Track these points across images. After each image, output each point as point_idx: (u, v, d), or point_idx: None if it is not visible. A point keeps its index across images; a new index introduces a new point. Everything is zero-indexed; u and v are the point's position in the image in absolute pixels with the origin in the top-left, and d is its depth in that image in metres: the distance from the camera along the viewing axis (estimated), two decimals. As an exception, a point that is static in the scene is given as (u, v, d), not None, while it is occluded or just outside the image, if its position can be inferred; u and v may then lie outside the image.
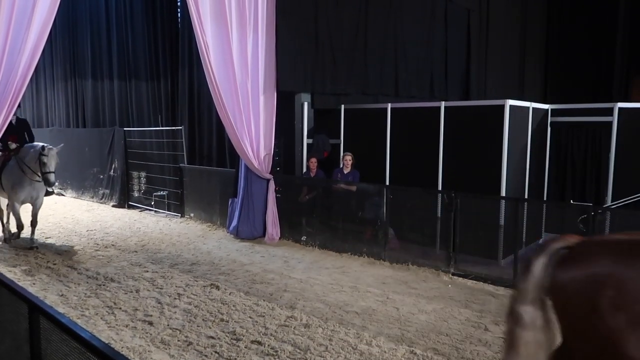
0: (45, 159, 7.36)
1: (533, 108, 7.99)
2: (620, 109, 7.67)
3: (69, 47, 14.95)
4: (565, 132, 8.65)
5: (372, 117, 8.80)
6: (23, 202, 7.79)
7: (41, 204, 7.99)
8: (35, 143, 7.83)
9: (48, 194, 8.14)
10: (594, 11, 14.50)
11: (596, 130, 8.34)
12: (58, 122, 15.64)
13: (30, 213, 8.04)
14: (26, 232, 8.34)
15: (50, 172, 7.40)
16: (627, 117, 7.65)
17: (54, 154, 7.47)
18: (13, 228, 8.48)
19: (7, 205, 8.59)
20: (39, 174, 7.46)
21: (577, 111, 8.47)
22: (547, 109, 8.54)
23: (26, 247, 7.73)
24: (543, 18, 15.61)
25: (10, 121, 7.71)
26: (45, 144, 7.57)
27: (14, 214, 7.83)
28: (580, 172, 8.61)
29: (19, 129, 8.13)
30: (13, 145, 7.89)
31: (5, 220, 8.54)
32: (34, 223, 7.91)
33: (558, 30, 15.49)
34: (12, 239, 8.21)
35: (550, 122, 8.59)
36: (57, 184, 8.18)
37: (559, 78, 15.40)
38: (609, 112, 7.77)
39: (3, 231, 8.51)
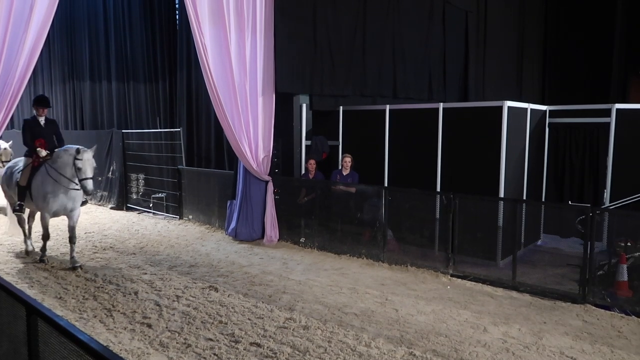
0: (80, 164, 6.53)
1: (531, 109, 8.00)
2: (618, 110, 7.69)
3: (67, 49, 14.95)
4: (564, 133, 8.67)
5: (371, 118, 8.81)
6: (55, 215, 7.04)
7: (78, 215, 7.20)
8: (68, 146, 6.94)
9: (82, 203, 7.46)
10: (592, 12, 14.54)
11: (594, 131, 8.35)
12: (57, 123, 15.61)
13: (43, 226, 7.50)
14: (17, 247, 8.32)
15: (87, 179, 6.55)
16: (625, 118, 7.67)
17: (89, 157, 6.63)
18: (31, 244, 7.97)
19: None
20: (76, 182, 6.69)
21: (575, 112, 8.49)
22: (545, 110, 8.56)
23: (67, 267, 6.92)
24: (540, 19, 15.65)
25: (38, 122, 7.18)
26: (79, 146, 6.73)
27: (42, 224, 7.04)
28: (579, 173, 8.63)
29: (48, 132, 7.27)
30: (43, 152, 6.99)
31: (27, 231, 7.88)
32: (72, 239, 7.04)
33: (556, 32, 15.53)
34: (28, 255, 7.64)
35: (549, 123, 8.61)
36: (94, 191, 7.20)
37: (557, 79, 15.44)
38: (607, 113, 7.79)
39: (25, 241, 7.85)
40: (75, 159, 6.57)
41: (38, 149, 7.01)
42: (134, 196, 11.78)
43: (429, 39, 11.54)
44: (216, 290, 6.05)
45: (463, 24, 12.70)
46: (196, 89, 11.19)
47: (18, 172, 7.29)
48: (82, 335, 2.15)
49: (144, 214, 11.27)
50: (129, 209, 11.69)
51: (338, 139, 9.26)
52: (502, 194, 7.16)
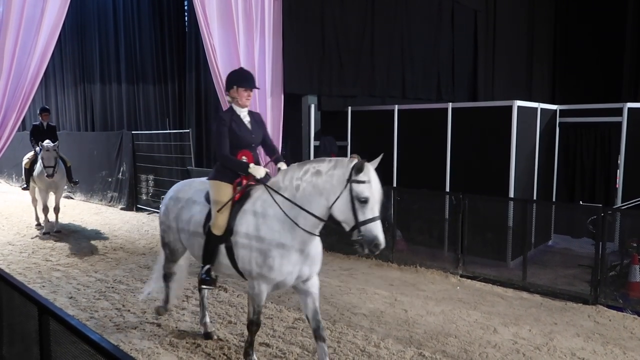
0: (366, 191, 3.39)
1: (541, 109, 7.94)
2: (629, 109, 7.60)
3: (78, 52, 15.11)
4: (574, 132, 8.60)
5: (379, 118, 8.79)
6: (278, 287, 3.91)
7: (318, 288, 4.00)
8: (321, 160, 3.68)
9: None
10: (602, 10, 14.40)
11: (605, 131, 8.28)
12: (68, 125, 15.80)
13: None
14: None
15: (374, 219, 3.39)
16: (637, 117, 7.58)
17: (376, 178, 3.48)
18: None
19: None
20: (347, 226, 3.49)
21: (586, 111, 8.41)
22: (556, 110, 8.49)
23: None
24: (551, 17, 15.54)
25: (240, 119, 4.10)
26: (356, 158, 3.63)
27: (254, 304, 3.89)
28: (590, 172, 8.55)
29: (255, 136, 4.18)
30: (262, 171, 3.93)
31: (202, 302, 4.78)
32: (320, 335, 3.90)
33: (566, 30, 15.41)
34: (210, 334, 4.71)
35: (559, 123, 8.53)
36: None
37: (567, 78, 15.31)
38: (619, 112, 7.70)
39: (166, 304, 4.93)
40: (354, 181, 3.41)
41: (251, 167, 3.94)
42: (144, 197, 11.86)
43: (438, 39, 11.50)
44: (225, 290, 6.06)
45: (472, 23, 12.65)
46: (205, 91, 11.24)
47: (200, 209, 4.19)
48: (93, 335, 2.17)
49: (154, 214, 11.33)
50: (139, 210, 11.77)
51: (347, 140, 9.26)
52: (512, 194, 7.11)
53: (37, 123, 9.52)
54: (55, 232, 9.10)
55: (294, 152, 9.03)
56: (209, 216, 4.07)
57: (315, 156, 8.96)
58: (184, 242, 4.46)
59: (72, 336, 2.30)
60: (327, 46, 9.05)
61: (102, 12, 14.07)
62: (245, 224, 3.86)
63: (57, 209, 9.21)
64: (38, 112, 9.81)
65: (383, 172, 8.90)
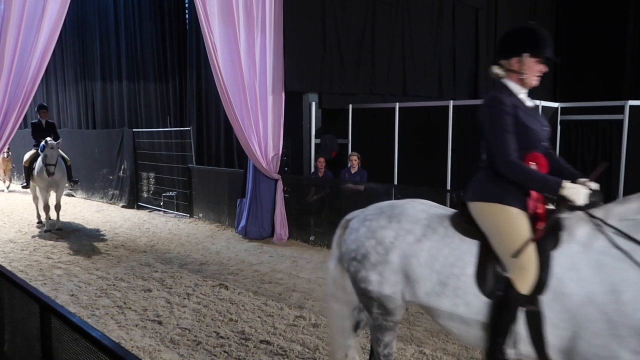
0: None
1: (542, 106, 7.93)
2: (631, 106, 7.59)
3: (79, 49, 15.13)
4: (575, 130, 8.57)
5: (380, 116, 8.79)
6: None
7: None
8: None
9: None
10: (604, 8, 14.37)
11: (607, 129, 8.25)
12: (69, 123, 15.82)
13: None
14: None
15: None
16: (639, 115, 7.57)
17: None
18: None
19: None
20: None
21: (587, 109, 8.40)
22: (557, 107, 8.48)
23: None
24: (552, 15, 15.50)
25: (517, 98, 2.70)
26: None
27: None
28: (591, 171, 8.51)
29: (546, 128, 2.80)
30: (584, 193, 2.59)
31: None
32: None
33: (567, 27, 15.36)
34: None
35: (560, 121, 8.52)
36: None
37: (569, 76, 15.27)
38: (620, 110, 7.69)
39: None
40: None
41: (566, 185, 2.56)
42: (145, 195, 11.88)
43: (439, 37, 11.49)
44: (226, 288, 6.08)
45: (473, 21, 12.62)
46: (206, 88, 11.25)
47: (460, 248, 2.66)
48: (94, 332, 2.17)
49: (155, 212, 11.35)
50: (139, 208, 11.78)
51: (347, 138, 9.26)
52: (513, 192, 7.10)
53: (36, 121, 9.52)
54: (56, 229, 9.12)
55: (295, 150, 9.03)
56: (483, 261, 2.57)
57: (316, 154, 8.96)
58: (422, 298, 2.71)
59: (73, 333, 2.30)
60: (328, 44, 9.05)
61: (103, 9, 14.08)
62: (577, 279, 2.31)
63: (58, 207, 9.23)
64: (36, 109, 9.80)
65: (384, 169, 8.95)
